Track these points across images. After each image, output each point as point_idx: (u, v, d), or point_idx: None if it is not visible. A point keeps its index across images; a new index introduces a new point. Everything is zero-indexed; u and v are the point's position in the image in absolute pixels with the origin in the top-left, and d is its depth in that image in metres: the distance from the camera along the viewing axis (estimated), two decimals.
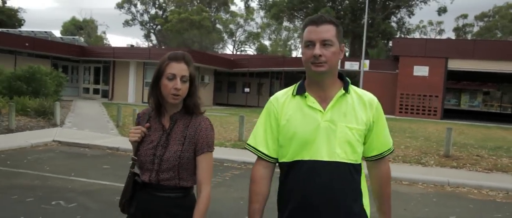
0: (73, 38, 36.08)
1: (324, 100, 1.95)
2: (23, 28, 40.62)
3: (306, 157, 1.91)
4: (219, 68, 32.68)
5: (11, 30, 31.65)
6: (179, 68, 2.08)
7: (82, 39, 37.29)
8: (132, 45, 43.74)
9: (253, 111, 26.81)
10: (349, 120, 1.92)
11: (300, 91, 1.99)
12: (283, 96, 2.06)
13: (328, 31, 1.90)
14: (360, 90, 2.03)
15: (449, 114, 30.58)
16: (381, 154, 2.04)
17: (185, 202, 2.12)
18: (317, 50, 1.88)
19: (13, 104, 12.28)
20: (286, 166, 1.99)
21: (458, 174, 8.76)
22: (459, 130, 17.66)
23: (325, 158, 1.89)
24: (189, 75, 2.11)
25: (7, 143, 10.06)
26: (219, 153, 9.98)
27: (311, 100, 1.95)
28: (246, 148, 2.15)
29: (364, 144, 2.00)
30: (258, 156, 2.07)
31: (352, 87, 2.01)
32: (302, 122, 1.94)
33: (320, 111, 1.93)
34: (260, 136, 2.06)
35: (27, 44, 24.48)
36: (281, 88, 37.67)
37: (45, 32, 32.32)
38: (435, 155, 10.55)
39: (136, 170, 2.18)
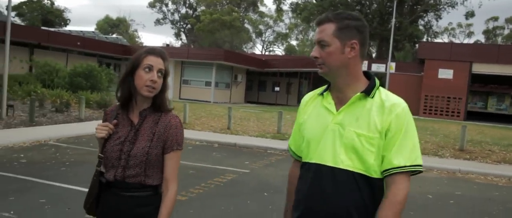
0: (117, 37, 38.52)
1: (341, 102, 1.83)
2: (65, 28, 43.31)
3: (313, 160, 1.83)
4: (251, 68, 34.40)
5: (61, 30, 34.19)
6: (156, 61, 2.03)
7: (124, 39, 39.59)
8: (167, 45, 45.96)
9: (283, 108, 28.36)
10: (360, 125, 1.76)
11: (324, 91, 1.91)
12: (310, 95, 2.01)
13: (323, 30, 1.80)
14: (386, 95, 1.81)
15: (474, 116, 31.48)
16: (388, 170, 1.73)
17: (152, 201, 2.05)
18: (313, 52, 1.84)
19: (83, 97, 14.23)
20: (301, 166, 1.95)
21: (469, 164, 10.22)
22: (479, 130, 18.92)
23: (329, 163, 1.78)
24: (165, 70, 2.07)
25: (83, 130, 11.93)
26: (261, 142, 11.68)
27: (328, 100, 1.87)
28: (287, 149, 2.14)
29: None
30: (292, 156, 2.06)
31: (379, 91, 1.82)
32: (314, 122, 1.88)
33: (333, 112, 1.82)
34: (293, 135, 2.06)
35: (78, 43, 26.75)
36: (309, 88, 39.17)
37: (93, 32, 34.75)
38: (451, 149, 12.00)
39: (103, 169, 2.11)
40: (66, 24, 44.09)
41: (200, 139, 11.72)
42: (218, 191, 6.64)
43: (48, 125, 12.33)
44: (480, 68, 27.36)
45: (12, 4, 39.54)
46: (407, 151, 1.73)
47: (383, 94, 1.81)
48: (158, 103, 2.08)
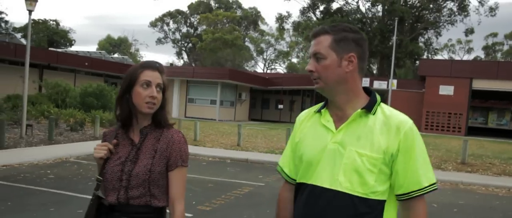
0: (122, 58, 39.36)
1: (340, 120, 1.72)
2: (71, 48, 44.11)
3: (309, 181, 1.72)
4: (254, 86, 35.03)
5: (68, 50, 34.98)
6: (154, 76, 1.94)
7: (130, 59, 40.38)
8: (171, 64, 46.77)
9: (287, 126, 28.91)
10: (362, 145, 1.65)
11: (321, 108, 1.80)
12: (306, 113, 1.90)
13: (320, 42, 1.70)
14: (390, 111, 1.71)
15: (475, 132, 31.97)
16: (408, 193, 1.65)
17: None
18: (308, 65, 1.74)
19: (98, 117, 14.79)
20: (295, 187, 1.83)
21: (471, 176, 10.72)
22: (480, 145, 19.43)
23: (325, 185, 1.66)
24: (163, 84, 1.98)
25: None
26: (272, 157, 12.19)
27: (327, 118, 1.75)
28: (277, 170, 1.98)
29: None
30: (284, 178, 1.92)
31: (381, 107, 1.72)
32: (312, 142, 1.76)
33: (332, 131, 1.71)
34: (286, 156, 1.92)
35: (86, 63, 27.45)
36: (312, 105, 39.64)
37: (100, 52, 35.49)
38: (453, 162, 12.51)
39: (101, 193, 1.98)
40: (71, 45, 45.01)
41: (212, 155, 12.23)
42: (239, 201, 7.14)
43: (66, 143, 12.85)
44: (480, 84, 27.95)
45: (19, 26, 40.63)
46: (425, 171, 1.65)
47: (386, 110, 1.71)
48: (159, 120, 1.99)
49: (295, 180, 1.83)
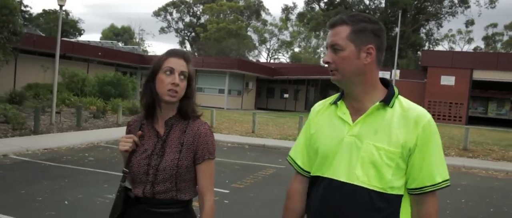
0: (133, 48, 40.16)
1: (357, 112, 1.68)
2: (79, 38, 44.86)
3: (326, 174, 1.69)
4: (260, 76, 35.86)
5: (80, 40, 35.74)
6: (178, 63, 1.89)
7: (140, 49, 41.18)
8: None
9: (293, 114, 29.78)
10: (380, 138, 1.61)
11: (337, 100, 1.75)
12: (321, 104, 1.86)
13: (337, 33, 1.64)
14: (408, 104, 1.68)
15: (476, 121, 32.82)
16: (421, 188, 1.62)
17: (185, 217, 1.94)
18: (325, 57, 1.69)
19: (120, 105, 15.65)
20: (310, 180, 1.79)
21: (472, 161, 11.62)
22: (480, 133, 20.34)
23: (342, 178, 1.63)
24: (188, 73, 1.92)
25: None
26: (287, 144, 13.06)
27: (343, 110, 1.71)
28: (287, 160, 1.92)
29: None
30: (295, 169, 1.87)
31: (399, 100, 1.68)
32: (328, 134, 1.72)
33: (349, 123, 1.68)
34: (298, 147, 1.88)
35: (99, 53, 28.24)
36: (316, 94, 40.64)
37: (111, 42, 36.26)
38: (455, 149, 13.41)
39: (128, 184, 1.98)
40: (80, 34, 45.85)
41: (231, 141, 13.11)
42: (266, 181, 8.03)
43: (93, 129, 13.73)
44: (480, 75, 28.78)
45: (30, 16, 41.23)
46: (439, 166, 1.63)
47: (404, 103, 1.67)
48: (185, 110, 1.93)
49: (308, 172, 1.81)
